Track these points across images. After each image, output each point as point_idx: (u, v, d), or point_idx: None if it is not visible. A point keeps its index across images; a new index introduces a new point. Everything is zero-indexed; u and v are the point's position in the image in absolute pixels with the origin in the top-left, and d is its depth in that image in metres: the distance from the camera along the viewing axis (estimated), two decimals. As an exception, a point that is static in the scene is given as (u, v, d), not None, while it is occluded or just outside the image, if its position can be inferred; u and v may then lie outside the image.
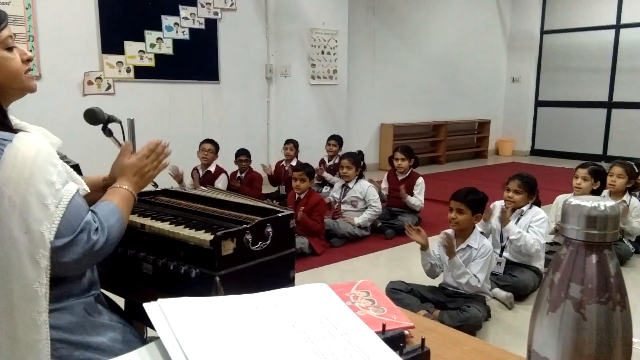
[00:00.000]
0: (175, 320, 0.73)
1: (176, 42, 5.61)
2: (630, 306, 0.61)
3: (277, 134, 6.42)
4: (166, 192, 1.66)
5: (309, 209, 3.84)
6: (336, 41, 6.83)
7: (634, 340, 0.62)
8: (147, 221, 1.36)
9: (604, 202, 0.60)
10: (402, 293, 2.72)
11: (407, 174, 4.59)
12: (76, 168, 1.25)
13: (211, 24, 5.86)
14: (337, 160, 5.64)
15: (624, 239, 3.70)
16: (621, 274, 0.61)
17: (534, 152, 9.73)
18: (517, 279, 3.00)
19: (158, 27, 5.48)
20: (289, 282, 1.35)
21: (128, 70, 5.32)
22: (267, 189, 5.45)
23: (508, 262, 3.12)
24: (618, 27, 8.51)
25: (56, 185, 1.02)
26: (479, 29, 9.11)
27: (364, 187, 4.25)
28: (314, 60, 6.68)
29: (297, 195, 3.94)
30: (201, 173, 4.81)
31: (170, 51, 5.58)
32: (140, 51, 5.38)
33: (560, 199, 3.75)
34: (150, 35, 5.44)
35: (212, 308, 0.78)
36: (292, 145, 5.51)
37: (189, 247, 1.23)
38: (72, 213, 1.04)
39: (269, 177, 5.46)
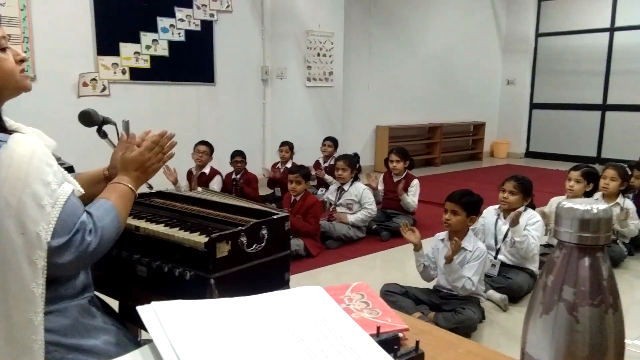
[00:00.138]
0: (169, 323, 0.72)
1: (172, 44, 5.60)
2: (623, 308, 0.62)
3: (272, 136, 6.42)
4: (161, 194, 1.66)
5: (304, 210, 3.84)
6: (332, 43, 6.84)
7: (627, 342, 0.62)
8: (142, 223, 1.36)
9: (597, 205, 0.60)
10: (396, 295, 2.72)
11: (402, 176, 4.60)
12: (70, 170, 1.25)
13: (207, 25, 5.85)
14: (332, 162, 5.65)
15: (617, 241, 3.71)
16: (614, 277, 0.61)
17: (529, 154, 9.77)
18: (511, 281, 3.01)
19: (154, 28, 5.47)
20: (284, 284, 1.34)
21: (123, 72, 5.31)
22: (263, 190, 5.44)
23: (502, 264, 3.13)
24: (612, 30, 8.56)
25: (52, 186, 1.02)
26: (474, 31, 9.14)
27: (359, 190, 4.26)
28: (310, 62, 6.69)
29: (292, 197, 3.94)
30: (196, 175, 4.80)
31: (165, 53, 5.58)
32: (135, 53, 5.37)
33: (554, 201, 3.77)
34: (146, 37, 5.43)
35: (206, 311, 0.78)
36: (287, 147, 5.51)
37: (184, 249, 1.23)
38: (68, 213, 1.03)
39: (268, 179, 5.46)
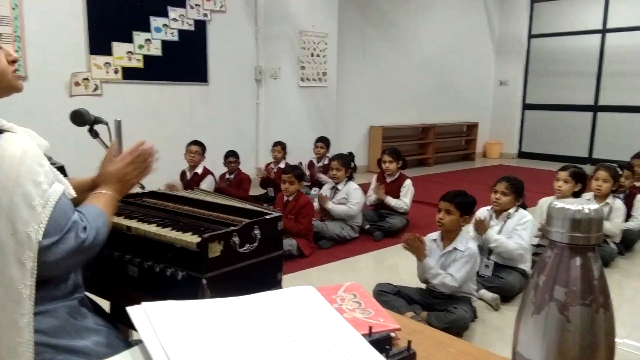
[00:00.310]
0: (160, 324, 0.72)
1: (165, 44, 5.58)
2: (613, 308, 0.62)
3: (266, 136, 6.41)
4: (153, 194, 1.65)
5: (297, 211, 3.84)
6: (326, 43, 6.84)
7: (617, 341, 0.63)
8: (133, 223, 1.35)
9: (588, 205, 0.60)
10: (389, 295, 2.73)
11: (395, 176, 4.60)
12: (62, 169, 1.24)
13: (200, 25, 5.83)
14: (325, 162, 5.65)
15: (607, 241, 3.74)
16: (604, 277, 0.61)
17: (521, 154, 9.82)
18: (503, 281, 3.02)
19: (147, 28, 5.45)
20: (276, 284, 1.34)
21: (116, 72, 5.28)
22: (256, 190, 5.44)
23: (496, 264, 3.14)
24: (604, 31, 8.62)
25: (43, 186, 1.02)
26: (467, 32, 9.18)
27: (350, 188, 4.26)
28: (304, 63, 6.68)
29: (285, 198, 3.94)
30: (189, 175, 4.79)
31: (159, 52, 5.55)
32: (128, 52, 5.34)
33: (544, 201, 3.79)
34: (139, 37, 5.40)
35: (198, 311, 0.78)
36: (280, 147, 5.51)
37: (176, 249, 1.23)
38: (60, 213, 1.03)
39: (261, 179, 5.45)
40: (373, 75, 7.89)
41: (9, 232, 0.97)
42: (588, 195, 3.81)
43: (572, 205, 0.60)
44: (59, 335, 1.07)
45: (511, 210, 3.18)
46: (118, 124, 1.49)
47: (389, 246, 4.02)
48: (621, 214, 3.80)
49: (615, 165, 3.90)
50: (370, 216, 4.49)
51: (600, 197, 3.77)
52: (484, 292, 2.97)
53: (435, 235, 2.80)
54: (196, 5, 5.76)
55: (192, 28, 5.77)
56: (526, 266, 3.15)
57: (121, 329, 1.32)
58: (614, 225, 3.73)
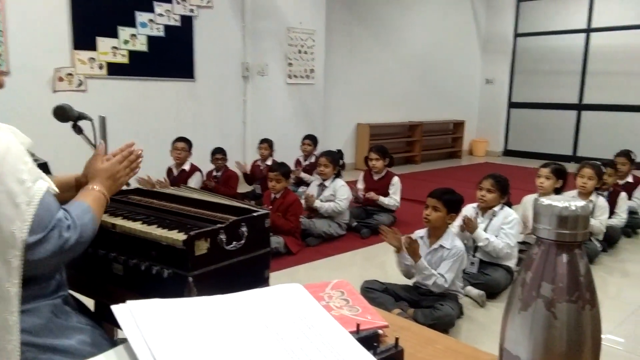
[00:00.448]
0: (145, 323, 0.71)
1: (151, 39, 5.52)
2: (599, 304, 0.62)
3: (253, 133, 6.38)
4: (138, 191, 1.63)
5: (284, 208, 3.83)
6: (313, 40, 6.83)
7: (603, 337, 0.63)
8: (118, 221, 1.33)
9: (575, 202, 0.60)
10: (376, 292, 2.74)
11: (382, 174, 4.62)
12: (44, 166, 1.22)
13: (187, 21, 5.78)
14: (312, 160, 5.65)
15: (591, 239, 3.79)
16: (591, 273, 0.62)
17: (507, 152, 9.91)
18: (489, 277, 3.05)
19: (132, 23, 5.39)
20: (263, 282, 1.34)
21: (100, 67, 5.22)
22: (243, 188, 5.41)
23: (481, 261, 3.16)
24: (588, 31, 8.73)
25: (27, 184, 1.00)
26: (454, 31, 9.23)
27: (337, 185, 4.26)
28: (291, 60, 6.67)
29: (273, 195, 3.93)
30: (175, 172, 4.75)
31: (144, 48, 5.49)
32: (113, 47, 5.28)
33: (527, 198, 3.83)
34: (124, 32, 5.34)
35: (183, 309, 0.77)
36: (266, 144, 5.49)
37: (161, 247, 1.21)
38: (44, 211, 1.01)
39: (244, 175, 5.43)
40: (360, 73, 7.90)
41: None
42: (572, 192, 3.85)
43: (558, 202, 0.60)
44: (42, 334, 1.06)
45: (496, 208, 3.21)
46: (103, 120, 1.47)
47: (376, 243, 4.03)
48: (606, 212, 3.85)
49: (599, 163, 3.96)
50: (357, 213, 4.49)
51: (584, 194, 3.81)
52: (470, 289, 3.00)
53: (422, 232, 2.82)
54: (182, 0, 5.71)
55: (179, 23, 5.72)
56: (511, 263, 3.18)
57: (106, 328, 1.31)
58: (601, 222, 3.78)
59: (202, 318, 0.75)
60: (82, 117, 1.46)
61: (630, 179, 4.76)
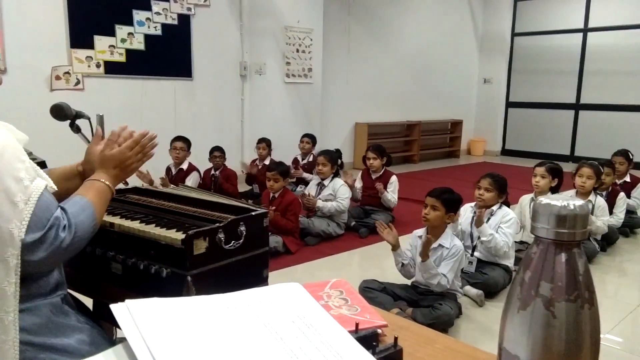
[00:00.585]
0: (143, 322, 0.71)
1: (148, 38, 5.51)
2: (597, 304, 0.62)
3: (251, 132, 6.38)
4: (137, 190, 1.63)
5: (283, 208, 3.83)
6: (311, 39, 6.83)
7: (602, 336, 0.63)
8: (117, 220, 1.33)
9: (573, 201, 0.60)
10: (375, 292, 2.74)
11: (380, 173, 4.62)
12: (42, 165, 1.21)
13: (184, 19, 5.77)
14: (310, 159, 5.65)
15: (590, 238, 3.79)
16: (589, 272, 0.62)
17: (505, 152, 9.92)
18: (487, 277, 3.05)
19: (129, 22, 5.38)
20: (262, 281, 1.33)
21: (98, 66, 5.21)
22: (242, 187, 5.41)
23: (479, 260, 3.17)
24: (586, 30, 8.74)
25: (24, 182, 0.99)
26: (451, 30, 9.24)
27: (336, 185, 4.26)
28: (289, 58, 6.66)
29: (271, 194, 3.92)
30: (174, 171, 4.75)
31: (142, 47, 5.48)
32: (110, 46, 5.27)
33: (524, 198, 3.84)
34: (121, 30, 5.33)
35: (182, 309, 0.77)
36: (264, 144, 5.49)
37: (160, 246, 1.21)
38: (42, 209, 1.01)
39: (246, 175, 5.43)
40: (358, 72, 7.90)
41: None
42: (571, 192, 3.86)
43: (557, 201, 0.61)
44: (41, 333, 1.05)
45: (494, 207, 3.21)
46: (100, 119, 1.46)
47: (374, 243, 4.03)
48: (606, 212, 3.86)
49: (597, 162, 3.96)
50: (355, 213, 4.50)
51: (583, 194, 3.82)
52: (469, 289, 3.00)
53: (421, 231, 2.82)
54: (180, -1, 5.70)
55: (176, 22, 5.71)
56: (509, 262, 3.18)
57: (105, 327, 1.30)
58: (603, 222, 3.78)
59: (201, 317, 0.75)
60: (79, 115, 1.46)
61: (628, 178, 4.77)
